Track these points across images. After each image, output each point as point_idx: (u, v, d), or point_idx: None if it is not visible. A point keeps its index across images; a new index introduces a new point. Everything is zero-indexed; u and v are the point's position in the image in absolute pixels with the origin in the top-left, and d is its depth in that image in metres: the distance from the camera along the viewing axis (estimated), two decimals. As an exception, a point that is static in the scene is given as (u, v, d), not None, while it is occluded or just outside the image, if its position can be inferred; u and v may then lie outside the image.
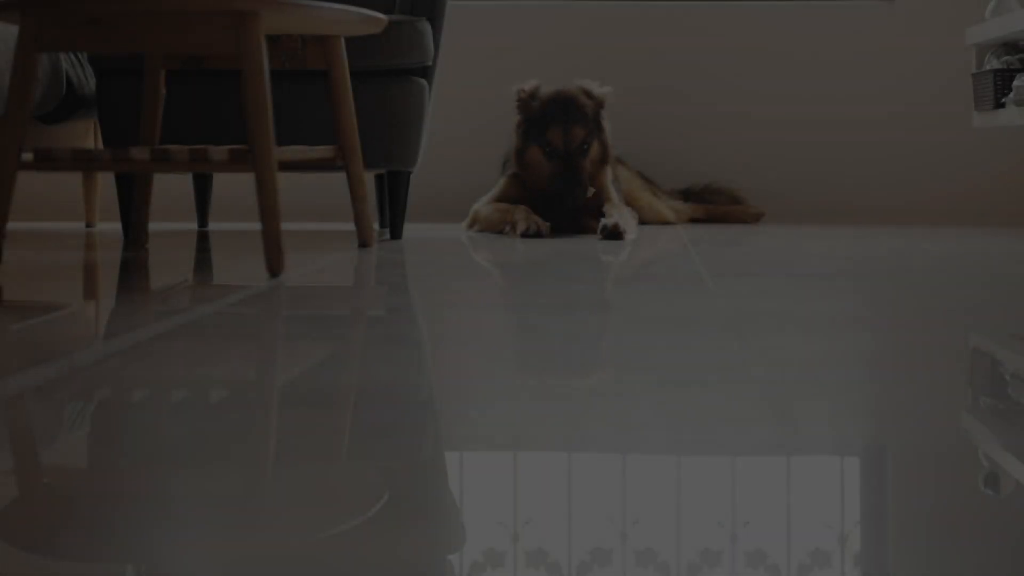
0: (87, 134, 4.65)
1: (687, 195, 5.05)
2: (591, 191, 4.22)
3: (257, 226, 2.84)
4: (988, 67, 4.58)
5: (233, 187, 5.12)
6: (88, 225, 4.69)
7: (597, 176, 4.30)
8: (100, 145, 4.64)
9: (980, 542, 1.02)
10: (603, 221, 4.01)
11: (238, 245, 3.83)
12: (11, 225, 2.96)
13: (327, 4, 3.05)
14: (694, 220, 4.96)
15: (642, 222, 4.64)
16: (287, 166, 3.70)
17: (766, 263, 3.13)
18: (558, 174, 4.20)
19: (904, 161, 5.20)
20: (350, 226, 4.25)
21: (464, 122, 5.22)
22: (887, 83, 5.18)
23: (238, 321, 2.21)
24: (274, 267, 2.76)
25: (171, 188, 5.10)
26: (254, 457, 1.30)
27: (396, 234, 4.03)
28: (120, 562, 1.00)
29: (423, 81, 4.00)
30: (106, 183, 5.05)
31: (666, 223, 4.77)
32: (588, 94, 4.35)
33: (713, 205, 5.02)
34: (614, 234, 3.94)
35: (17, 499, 1.17)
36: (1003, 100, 4.44)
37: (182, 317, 2.19)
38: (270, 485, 1.20)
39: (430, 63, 4.01)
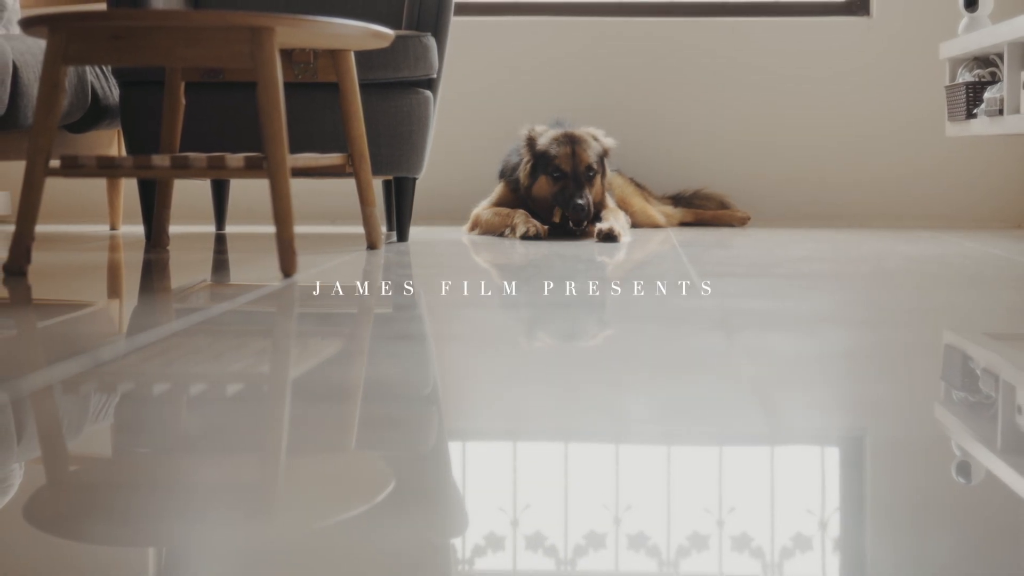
0: (111, 142, 4.65)
1: (677, 200, 5.04)
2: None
3: (271, 229, 2.84)
4: (961, 80, 4.58)
5: (249, 192, 5.12)
6: (112, 228, 4.69)
7: (597, 202, 4.24)
8: (123, 153, 4.63)
9: (952, 527, 1.02)
10: (599, 225, 4.00)
11: (253, 247, 3.83)
12: (39, 228, 2.96)
13: (338, 20, 3.05)
14: (684, 224, 4.96)
15: (635, 226, 4.63)
16: (300, 172, 3.69)
17: (752, 264, 3.13)
18: (562, 189, 4.16)
19: (882, 168, 5.20)
20: (359, 229, 4.24)
21: (466, 131, 5.22)
22: (865, 94, 5.18)
23: (253, 319, 2.22)
24: (287, 268, 2.76)
25: (190, 193, 5.10)
26: (268, 447, 1.30)
27: (402, 237, 4.03)
28: (142, 546, 1.00)
29: (428, 92, 4.00)
30: (129, 188, 5.05)
31: (657, 227, 4.76)
32: (595, 138, 4.31)
33: (702, 209, 5.01)
34: (610, 237, 3.93)
35: (45, 486, 1.18)
36: (975, 111, 4.44)
37: (200, 315, 2.19)
38: (283, 474, 1.20)
39: (435, 75, 4.01)
